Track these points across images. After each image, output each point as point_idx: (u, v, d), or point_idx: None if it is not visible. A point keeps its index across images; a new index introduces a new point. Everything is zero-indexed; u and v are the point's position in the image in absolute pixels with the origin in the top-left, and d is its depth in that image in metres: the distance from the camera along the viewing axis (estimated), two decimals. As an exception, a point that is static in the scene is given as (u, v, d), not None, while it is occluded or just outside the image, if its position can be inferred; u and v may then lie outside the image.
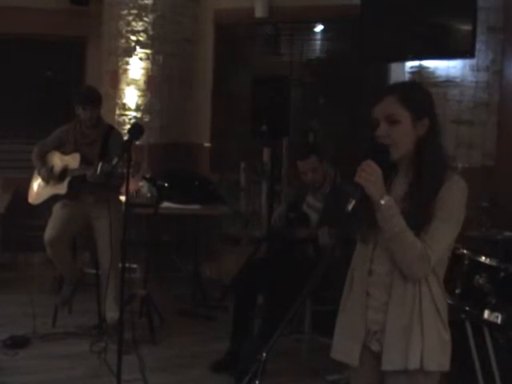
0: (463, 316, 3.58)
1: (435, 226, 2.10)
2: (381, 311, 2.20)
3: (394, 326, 2.16)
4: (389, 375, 2.20)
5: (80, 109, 4.66)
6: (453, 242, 2.20)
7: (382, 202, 2.08)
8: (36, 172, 4.83)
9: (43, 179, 4.74)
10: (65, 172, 4.66)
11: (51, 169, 4.75)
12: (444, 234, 2.12)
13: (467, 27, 4.89)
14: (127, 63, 6.51)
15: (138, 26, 6.46)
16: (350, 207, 2.09)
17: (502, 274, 3.45)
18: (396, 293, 2.16)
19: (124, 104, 6.54)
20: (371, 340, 2.23)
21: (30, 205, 4.89)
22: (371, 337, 2.23)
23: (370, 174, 2.09)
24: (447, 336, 2.21)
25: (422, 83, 2.40)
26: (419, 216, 2.10)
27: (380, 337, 2.20)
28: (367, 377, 2.28)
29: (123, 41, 6.51)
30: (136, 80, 6.51)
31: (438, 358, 2.18)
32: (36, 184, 4.89)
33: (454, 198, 2.12)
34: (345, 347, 2.29)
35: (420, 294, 2.15)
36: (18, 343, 4.51)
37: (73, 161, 4.63)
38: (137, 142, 3.69)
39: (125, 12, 6.48)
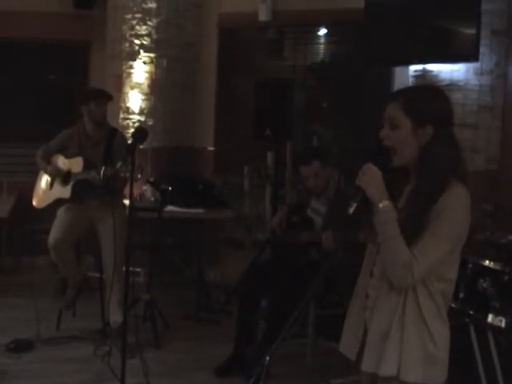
0: (467, 320, 3.58)
1: (425, 239, 2.05)
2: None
3: (375, 329, 2.18)
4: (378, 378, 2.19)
5: (92, 104, 4.64)
6: (447, 258, 2.11)
7: (380, 205, 2.08)
8: (42, 171, 4.83)
9: (50, 175, 4.75)
10: (68, 176, 4.66)
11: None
12: (432, 249, 2.06)
13: (471, 31, 4.89)
14: (131, 67, 6.51)
15: (142, 29, 6.47)
16: (351, 210, 2.10)
17: (506, 278, 3.44)
18: (382, 296, 2.17)
19: (128, 108, 6.54)
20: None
21: (33, 208, 4.90)
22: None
23: (370, 177, 2.10)
24: (435, 350, 2.12)
25: (440, 90, 2.34)
26: (412, 225, 2.06)
27: None
28: (366, 375, 2.28)
29: (127, 45, 6.51)
30: (140, 84, 6.51)
31: (420, 371, 2.10)
32: (41, 185, 4.90)
33: (449, 211, 2.06)
34: (348, 343, 2.31)
35: (404, 303, 2.12)
36: (21, 347, 4.51)
37: (76, 165, 4.64)
38: (141, 146, 3.70)
39: (129, 16, 6.49)
